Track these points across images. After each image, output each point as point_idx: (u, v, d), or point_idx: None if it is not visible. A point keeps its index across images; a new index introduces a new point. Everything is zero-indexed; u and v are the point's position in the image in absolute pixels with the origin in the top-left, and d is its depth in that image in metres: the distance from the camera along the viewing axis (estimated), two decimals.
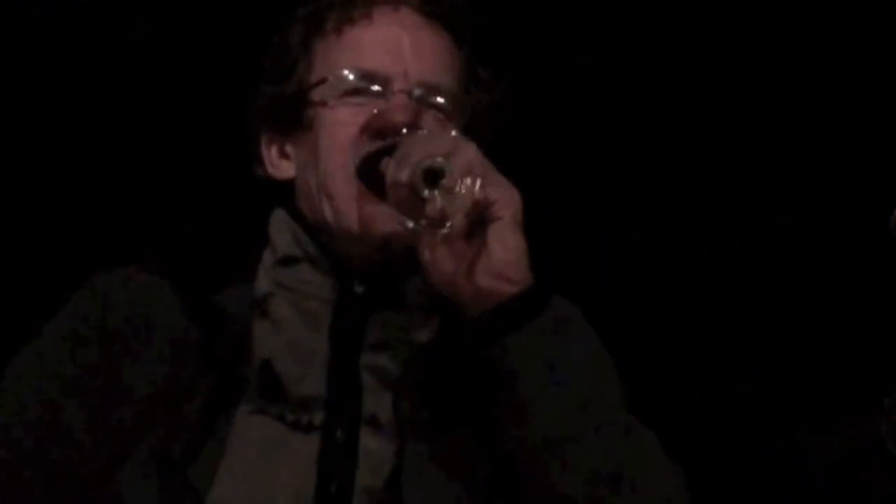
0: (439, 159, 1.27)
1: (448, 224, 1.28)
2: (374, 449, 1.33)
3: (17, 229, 2.05)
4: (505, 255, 1.30)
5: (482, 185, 1.28)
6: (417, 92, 1.41)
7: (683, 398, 2.04)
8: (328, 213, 1.41)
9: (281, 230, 1.44)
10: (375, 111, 1.39)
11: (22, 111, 2.06)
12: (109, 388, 1.33)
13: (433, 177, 1.27)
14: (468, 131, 1.39)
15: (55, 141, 2.08)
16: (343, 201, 1.39)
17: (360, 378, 1.36)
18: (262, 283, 1.41)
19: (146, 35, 2.11)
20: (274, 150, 1.49)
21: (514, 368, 1.29)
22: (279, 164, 1.49)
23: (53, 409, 1.33)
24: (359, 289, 1.39)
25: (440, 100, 1.43)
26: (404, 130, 1.35)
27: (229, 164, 1.56)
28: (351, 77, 1.43)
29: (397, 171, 1.29)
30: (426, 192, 1.27)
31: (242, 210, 1.51)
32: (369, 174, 1.37)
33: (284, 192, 1.48)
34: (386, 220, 1.36)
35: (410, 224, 1.29)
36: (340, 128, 1.42)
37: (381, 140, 1.36)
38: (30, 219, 2.06)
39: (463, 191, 1.27)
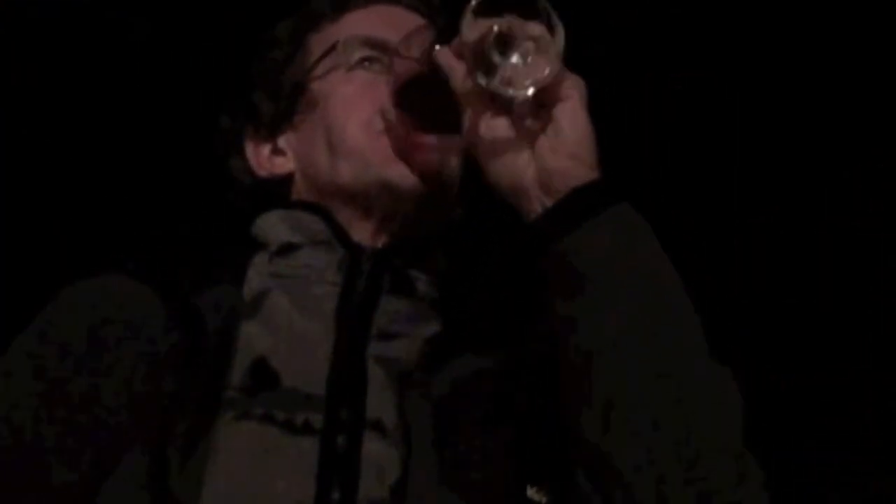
0: (513, 27, 1.16)
1: (517, 91, 1.16)
2: (379, 455, 1.19)
3: (13, 229, 2.02)
4: (577, 134, 1.17)
5: (553, 60, 1.16)
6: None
7: None
8: (352, 176, 1.33)
9: (275, 225, 1.35)
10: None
11: (22, 111, 2.05)
12: (85, 406, 1.20)
13: (505, 43, 1.16)
14: None
15: (53, 141, 2.06)
16: (372, 154, 1.32)
17: (365, 371, 1.24)
18: (254, 284, 1.31)
19: (146, 35, 2.10)
20: (265, 152, 1.43)
21: (587, 265, 1.14)
22: (273, 162, 1.42)
23: (24, 432, 1.20)
24: (366, 266, 1.30)
25: None
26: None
27: (223, 167, 1.52)
28: (359, 43, 1.39)
29: (469, 32, 1.17)
30: (497, 57, 1.16)
31: (234, 214, 1.47)
32: (408, 103, 1.29)
33: (269, 198, 1.40)
34: (424, 154, 1.30)
35: (482, 80, 1.16)
36: (356, 89, 1.36)
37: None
38: (26, 218, 2.04)
39: (534, 62, 1.16)
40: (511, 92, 1.17)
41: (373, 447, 1.20)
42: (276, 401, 1.21)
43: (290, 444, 1.19)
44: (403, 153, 1.32)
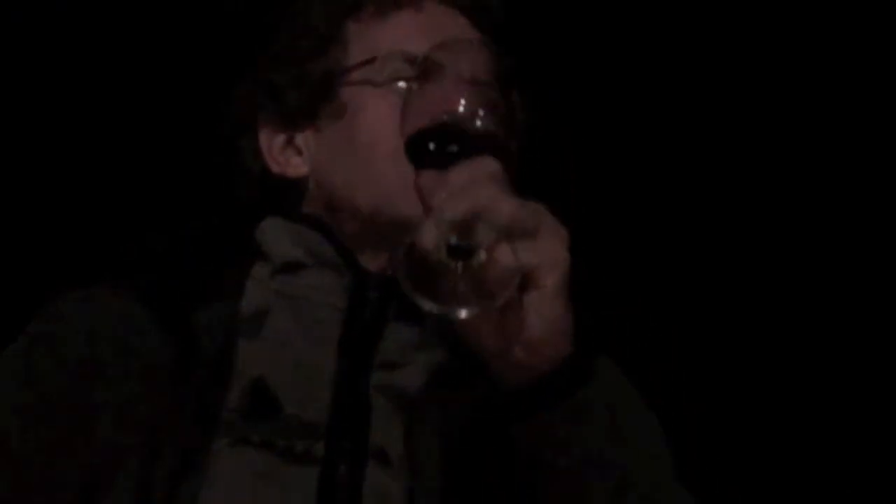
0: (466, 240, 1.05)
1: (478, 307, 1.05)
2: (382, 486, 1.15)
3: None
4: (541, 330, 1.06)
5: (521, 253, 1.05)
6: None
7: (684, 399, 2.00)
8: (369, 204, 1.26)
9: (277, 237, 1.28)
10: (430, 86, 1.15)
11: (19, 111, 2.03)
12: (73, 428, 1.14)
13: (462, 253, 1.05)
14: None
15: (51, 140, 2.04)
16: (396, 187, 1.22)
17: (368, 401, 1.19)
18: (254, 299, 1.24)
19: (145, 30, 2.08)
20: (278, 144, 1.34)
21: (542, 454, 1.08)
22: (287, 159, 1.34)
23: (9, 455, 1.14)
24: (373, 294, 1.24)
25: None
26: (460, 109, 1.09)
27: (216, 173, 1.46)
28: (401, 61, 1.28)
29: (424, 235, 1.05)
30: (452, 268, 1.05)
31: (228, 221, 1.41)
32: (416, 151, 1.15)
33: (275, 199, 1.33)
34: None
35: (434, 308, 1.05)
36: (389, 111, 1.24)
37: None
38: (21, 218, 2.01)
39: (498, 263, 1.05)
40: (473, 311, 1.05)
41: (376, 478, 1.15)
42: (275, 427, 1.16)
43: (290, 473, 1.14)
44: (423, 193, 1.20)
